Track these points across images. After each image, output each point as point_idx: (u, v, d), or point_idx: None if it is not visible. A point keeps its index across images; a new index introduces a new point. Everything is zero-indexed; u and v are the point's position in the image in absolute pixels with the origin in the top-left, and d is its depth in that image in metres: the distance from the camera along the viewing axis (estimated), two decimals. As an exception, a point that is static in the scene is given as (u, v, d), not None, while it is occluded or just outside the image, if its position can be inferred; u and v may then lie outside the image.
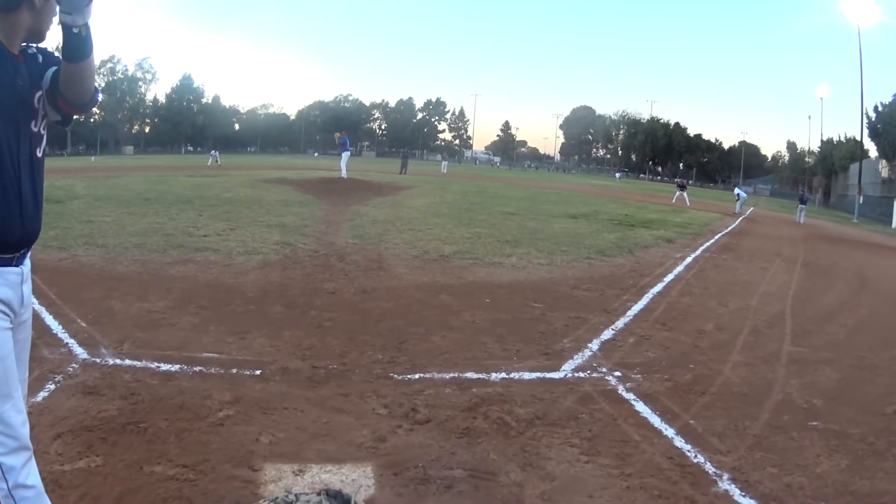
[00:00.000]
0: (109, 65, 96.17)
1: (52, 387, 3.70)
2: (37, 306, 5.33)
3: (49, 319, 5.04)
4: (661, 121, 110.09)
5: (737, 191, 34.38)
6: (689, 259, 11.31)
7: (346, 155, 24.69)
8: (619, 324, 6.17)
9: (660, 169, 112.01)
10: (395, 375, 4.35)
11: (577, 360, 4.97)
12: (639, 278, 8.72)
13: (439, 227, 12.34)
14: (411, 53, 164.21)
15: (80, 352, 4.37)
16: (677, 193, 35.30)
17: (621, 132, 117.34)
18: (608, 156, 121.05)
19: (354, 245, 9.57)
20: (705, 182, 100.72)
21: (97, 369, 4.07)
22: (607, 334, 5.76)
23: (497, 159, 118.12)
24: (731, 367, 5.11)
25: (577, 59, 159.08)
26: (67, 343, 4.53)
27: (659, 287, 8.23)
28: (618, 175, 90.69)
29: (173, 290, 6.20)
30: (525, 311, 6.41)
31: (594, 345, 5.39)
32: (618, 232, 14.30)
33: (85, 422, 3.29)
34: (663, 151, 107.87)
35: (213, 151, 48.91)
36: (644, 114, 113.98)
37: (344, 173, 23.78)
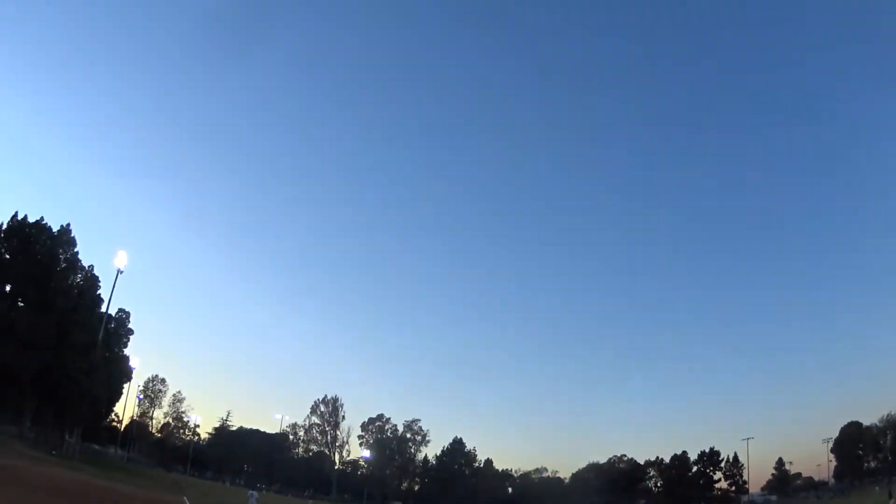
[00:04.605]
0: (378, 423, 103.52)
1: None
2: None
3: None
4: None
5: None
6: None
7: None
8: None
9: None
10: None
11: None
12: None
13: None
14: (682, 408, 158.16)
15: None
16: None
17: (888, 437, 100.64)
18: (879, 465, 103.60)
19: None
20: None
21: None
22: None
23: (773, 497, 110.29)
24: None
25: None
26: None
27: None
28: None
29: None
30: None
31: None
32: None
33: None
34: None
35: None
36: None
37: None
